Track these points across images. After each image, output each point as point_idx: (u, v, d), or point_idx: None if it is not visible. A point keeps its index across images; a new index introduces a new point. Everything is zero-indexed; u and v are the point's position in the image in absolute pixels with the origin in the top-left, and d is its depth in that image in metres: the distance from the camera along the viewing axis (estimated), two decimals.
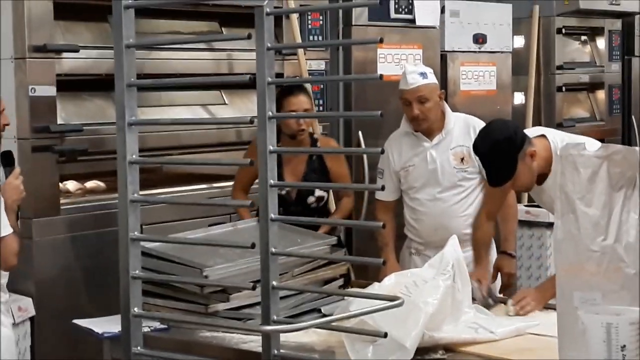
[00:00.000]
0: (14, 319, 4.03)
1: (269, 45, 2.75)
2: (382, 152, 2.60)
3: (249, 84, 5.01)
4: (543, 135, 3.72)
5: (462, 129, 4.41)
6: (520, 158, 3.57)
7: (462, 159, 4.39)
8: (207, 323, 3.27)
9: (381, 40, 2.57)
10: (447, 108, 4.44)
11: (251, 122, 2.60)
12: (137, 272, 2.66)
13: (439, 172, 4.38)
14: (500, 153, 3.58)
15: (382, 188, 2.68)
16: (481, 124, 4.44)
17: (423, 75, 4.30)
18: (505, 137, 3.60)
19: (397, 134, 4.51)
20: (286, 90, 4.45)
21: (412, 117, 4.34)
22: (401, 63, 5.71)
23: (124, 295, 2.67)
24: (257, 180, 4.45)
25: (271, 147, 2.80)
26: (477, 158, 3.89)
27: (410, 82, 4.29)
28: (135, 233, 2.66)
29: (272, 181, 2.81)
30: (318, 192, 4.56)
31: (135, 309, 2.65)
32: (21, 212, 3.92)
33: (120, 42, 2.57)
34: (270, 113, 2.75)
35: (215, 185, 5.11)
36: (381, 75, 2.63)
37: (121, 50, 2.57)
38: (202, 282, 3.35)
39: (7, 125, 3.82)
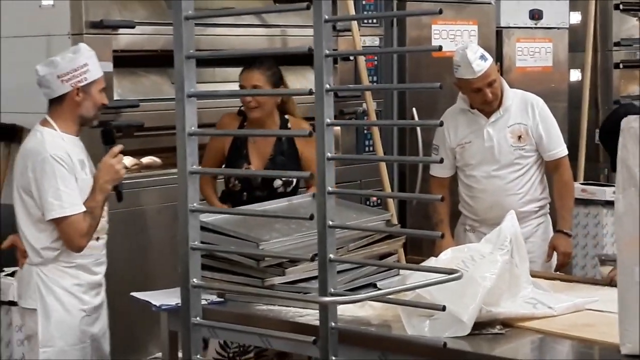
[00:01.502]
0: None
1: (326, 17, 2.74)
2: (441, 124, 2.57)
3: (303, 60, 5.10)
4: None
5: (519, 105, 4.36)
6: None
7: (520, 137, 4.34)
8: (267, 295, 3.28)
9: (440, 12, 2.54)
10: (505, 84, 4.40)
11: (310, 93, 2.60)
12: (196, 243, 2.67)
13: (496, 150, 4.34)
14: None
15: (441, 161, 2.65)
16: (538, 100, 4.40)
17: (483, 58, 4.25)
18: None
19: (453, 111, 4.47)
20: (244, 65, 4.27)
21: (484, 101, 4.30)
22: (456, 39, 5.66)
23: (182, 266, 2.69)
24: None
25: (328, 120, 2.78)
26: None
27: (477, 69, 4.21)
28: (195, 204, 2.67)
29: (329, 154, 2.80)
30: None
31: (195, 279, 2.67)
32: None
33: (179, 14, 2.58)
34: (327, 86, 2.74)
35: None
36: (440, 47, 2.61)
37: (180, 21, 2.58)
38: (262, 254, 3.36)
39: (105, 105, 3.80)
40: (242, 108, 4.32)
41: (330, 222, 2.81)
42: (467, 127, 4.39)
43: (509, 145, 4.34)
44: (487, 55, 4.28)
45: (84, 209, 3.62)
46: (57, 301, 3.65)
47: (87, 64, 3.68)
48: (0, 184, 4.58)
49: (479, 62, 4.22)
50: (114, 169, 3.71)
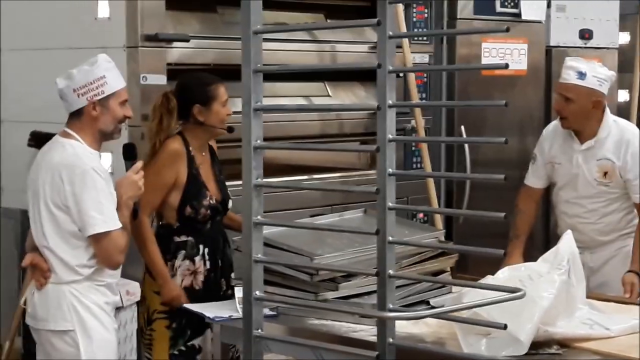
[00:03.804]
0: (122, 303, 3.85)
1: (390, 33, 2.75)
2: (506, 142, 2.54)
3: (351, 76, 5.11)
4: None
5: (615, 141, 4.26)
6: None
7: (606, 173, 4.26)
8: (330, 309, 3.26)
9: (507, 30, 2.53)
10: (607, 116, 4.28)
11: (379, 109, 2.60)
12: (259, 256, 2.68)
13: (580, 179, 4.29)
14: None
15: (505, 179, 2.60)
16: (636, 140, 4.26)
17: (580, 74, 4.16)
18: None
19: (556, 126, 4.40)
20: (214, 79, 4.11)
21: (555, 107, 4.30)
22: (505, 57, 5.65)
23: (246, 278, 2.69)
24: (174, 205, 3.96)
25: (390, 136, 2.79)
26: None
27: (563, 76, 4.20)
28: (259, 217, 2.68)
29: (390, 170, 2.81)
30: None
31: (257, 292, 2.67)
32: None
33: (248, 29, 2.59)
34: (390, 102, 2.75)
35: (315, 176, 5.12)
36: (507, 64, 2.61)
37: (249, 36, 2.59)
38: (323, 268, 3.36)
39: (129, 117, 3.64)
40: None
41: (390, 238, 2.81)
42: (561, 147, 4.34)
43: (593, 179, 4.27)
44: (589, 77, 4.16)
45: (120, 224, 3.47)
46: (96, 319, 3.48)
47: (105, 76, 3.50)
48: None
49: (570, 73, 4.18)
50: (137, 185, 3.55)
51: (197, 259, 4.01)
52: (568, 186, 4.32)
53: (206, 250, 4.03)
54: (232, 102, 4.69)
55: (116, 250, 3.44)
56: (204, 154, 4.12)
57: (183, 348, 4.02)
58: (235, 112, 4.57)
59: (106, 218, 3.41)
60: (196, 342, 4.03)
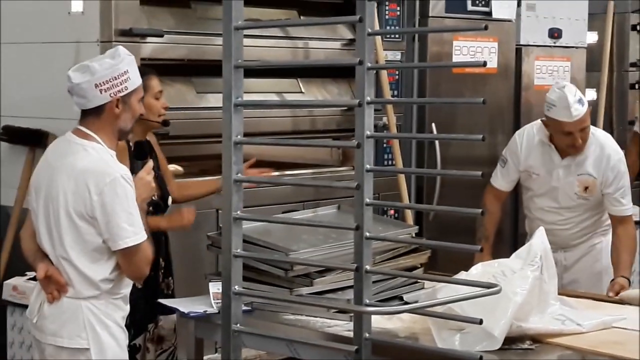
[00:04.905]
0: None
1: (369, 30, 2.78)
2: (484, 139, 2.57)
3: (323, 73, 5.12)
4: None
5: (596, 157, 4.28)
6: None
7: (586, 188, 4.29)
8: (310, 303, 3.27)
9: (486, 28, 2.58)
10: (591, 129, 4.29)
11: (360, 105, 2.63)
12: (238, 251, 2.69)
13: (560, 193, 4.32)
14: None
15: (482, 175, 2.64)
16: (615, 155, 4.28)
17: (581, 102, 4.14)
18: None
19: (531, 134, 4.38)
20: (145, 71, 3.90)
21: (572, 145, 4.21)
22: (476, 56, 5.70)
23: (225, 273, 2.71)
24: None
25: (368, 132, 2.82)
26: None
27: (574, 114, 4.10)
28: (238, 212, 2.69)
29: (368, 166, 2.83)
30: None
31: (236, 287, 2.69)
32: None
33: (229, 24, 2.61)
34: (368, 98, 2.78)
35: (287, 172, 5.14)
36: (485, 62, 2.65)
37: (230, 31, 2.61)
38: (306, 263, 3.36)
39: (142, 114, 3.35)
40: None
41: (367, 234, 2.84)
42: (540, 158, 4.33)
43: (573, 193, 4.30)
44: (584, 99, 4.17)
45: (146, 234, 3.21)
46: (112, 337, 3.22)
47: (128, 70, 3.21)
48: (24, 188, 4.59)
49: (577, 107, 4.11)
50: (151, 186, 3.34)
51: None
52: (546, 196, 4.35)
53: None
54: (204, 97, 4.72)
55: (145, 262, 3.20)
56: None
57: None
58: (207, 108, 4.62)
59: (137, 229, 3.15)
60: (138, 340, 3.95)
